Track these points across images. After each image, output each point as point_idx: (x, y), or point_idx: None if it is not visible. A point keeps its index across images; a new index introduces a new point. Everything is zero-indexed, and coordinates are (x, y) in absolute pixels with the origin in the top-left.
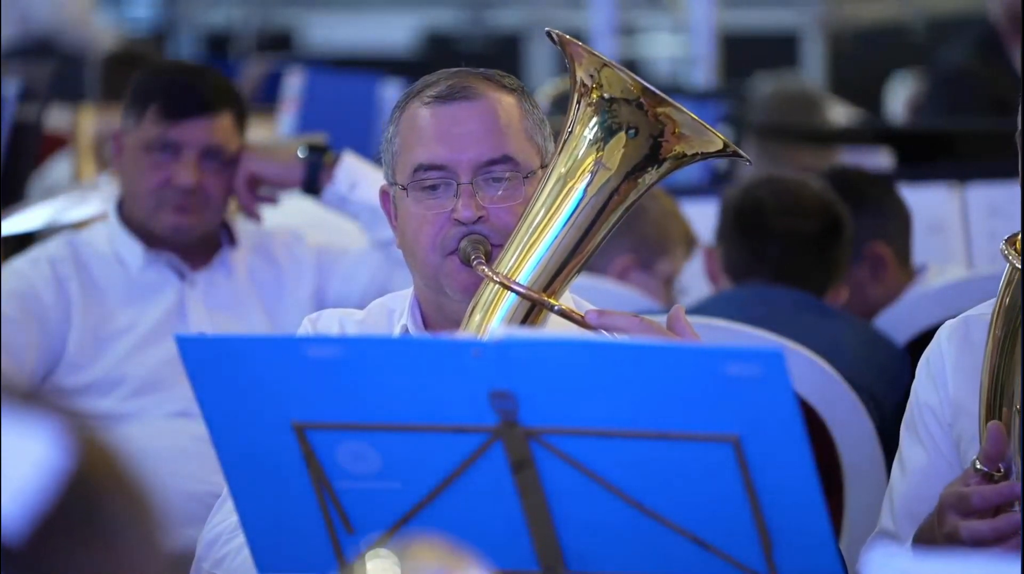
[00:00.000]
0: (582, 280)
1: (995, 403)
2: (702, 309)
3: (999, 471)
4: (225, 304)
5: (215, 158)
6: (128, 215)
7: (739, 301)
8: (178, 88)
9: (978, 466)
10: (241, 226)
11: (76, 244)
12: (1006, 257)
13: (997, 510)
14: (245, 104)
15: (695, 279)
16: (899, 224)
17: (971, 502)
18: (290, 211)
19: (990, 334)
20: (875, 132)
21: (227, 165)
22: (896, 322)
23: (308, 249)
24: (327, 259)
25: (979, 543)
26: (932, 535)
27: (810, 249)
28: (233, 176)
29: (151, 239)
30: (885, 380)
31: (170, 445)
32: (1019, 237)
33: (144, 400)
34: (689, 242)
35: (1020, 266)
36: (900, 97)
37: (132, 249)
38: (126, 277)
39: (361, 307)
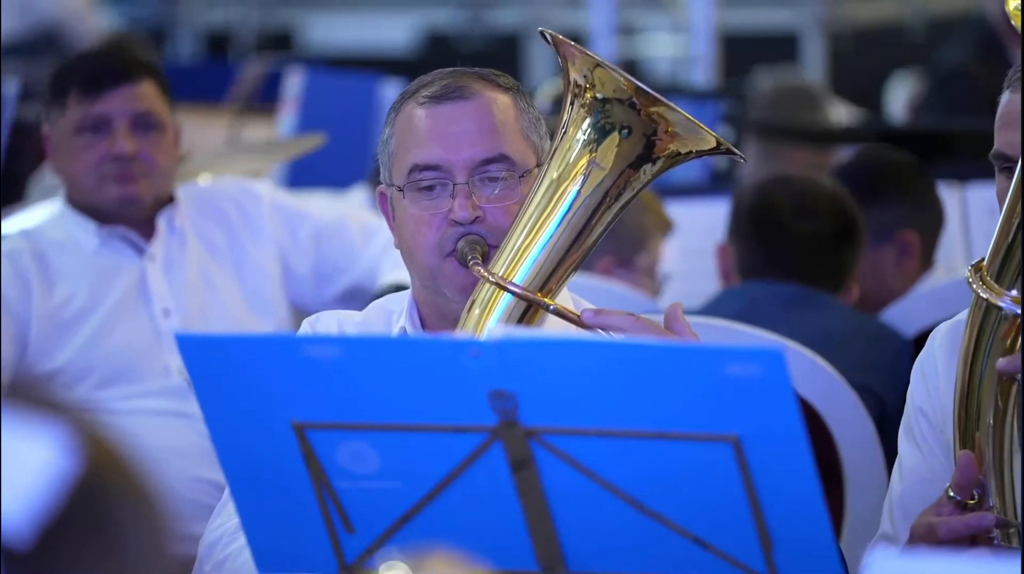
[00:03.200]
0: (579, 278)
1: (967, 426)
2: (706, 309)
3: (972, 499)
4: (186, 277)
5: (147, 125)
6: (77, 205)
7: (733, 298)
8: (93, 64)
9: (951, 494)
10: (186, 188)
11: (31, 236)
12: (970, 285)
13: (972, 540)
14: (164, 74)
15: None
16: (934, 220)
17: (938, 534)
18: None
19: (960, 357)
20: (875, 132)
21: (161, 132)
22: (896, 322)
23: (263, 203)
24: (287, 217)
25: None
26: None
27: (826, 250)
28: (170, 144)
29: (102, 216)
30: (885, 374)
31: (158, 445)
32: (984, 263)
33: (114, 390)
34: (664, 227)
35: (984, 295)
36: (900, 97)
37: (86, 228)
38: (83, 259)
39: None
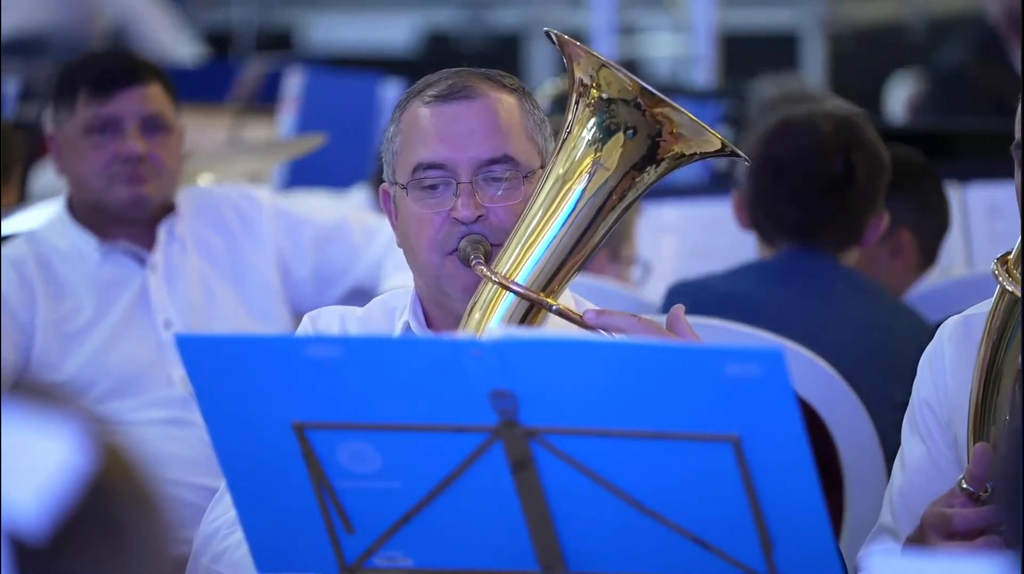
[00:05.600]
0: (579, 278)
1: (984, 419)
2: (731, 279)
3: (985, 491)
4: (187, 286)
5: (156, 127)
6: (79, 209)
7: (775, 278)
8: (103, 65)
9: (964, 486)
10: (187, 194)
11: (36, 242)
12: (996, 278)
13: (981, 532)
14: (169, 77)
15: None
16: (935, 220)
17: (953, 525)
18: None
19: (980, 350)
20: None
21: (169, 134)
22: None
23: (263, 208)
24: (288, 222)
25: None
26: (919, 549)
27: (829, 197)
28: (177, 146)
29: (104, 230)
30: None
31: (161, 453)
32: (1010, 256)
33: (118, 403)
34: (635, 209)
35: (1011, 288)
36: (900, 97)
37: (88, 242)
38: (87, 271)
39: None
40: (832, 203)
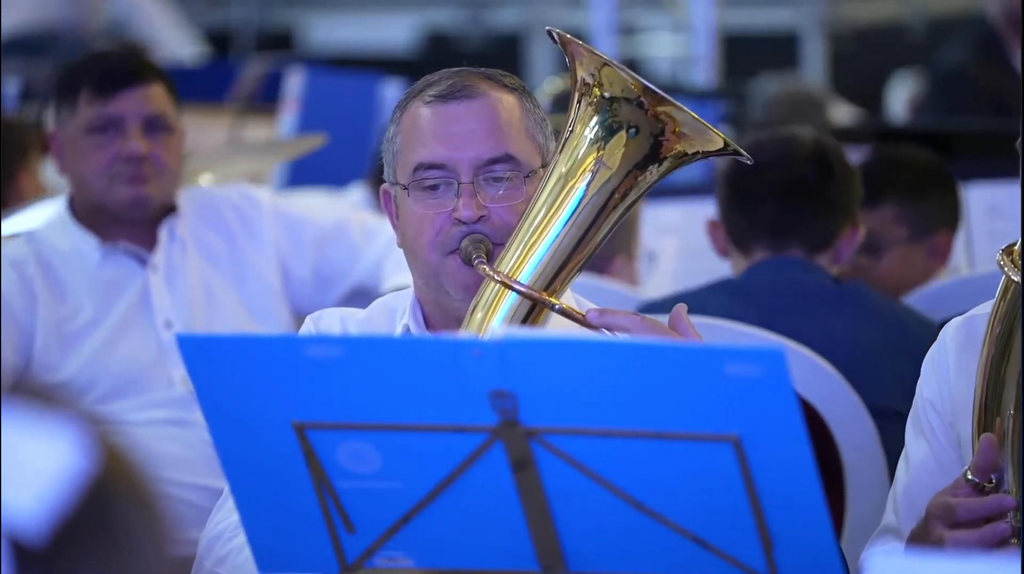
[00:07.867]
0: (583, 279)
1: (988, 412)
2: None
3: (990, 482)
4: (188, 286)
5: (158, 127)
6: (80, 209)
7: (744, 295)
8: (106, 65)
9: (969, 476)
10: (188, 194)
11: (36, 242)
12: (1002, 267)
13: (986, 521)
14: (170, 78)
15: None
16: (957, 222)
17: (957, 514)
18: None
19: (985, 343)
20: (875, 132)
21: (171, 134)
22: None
23: (263, 209)
24: (288, 223)
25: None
26: (923, 542)
27: (805, 196)
28: (178, 147)
29: (105, 230)
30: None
31: (162, 453)
32: (1016, 247)
33: (118, 404)
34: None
35: (1016, 278)
36: (900, 97)
37: (88, 243)
38: (88, 271)
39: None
40: (807, 203)
